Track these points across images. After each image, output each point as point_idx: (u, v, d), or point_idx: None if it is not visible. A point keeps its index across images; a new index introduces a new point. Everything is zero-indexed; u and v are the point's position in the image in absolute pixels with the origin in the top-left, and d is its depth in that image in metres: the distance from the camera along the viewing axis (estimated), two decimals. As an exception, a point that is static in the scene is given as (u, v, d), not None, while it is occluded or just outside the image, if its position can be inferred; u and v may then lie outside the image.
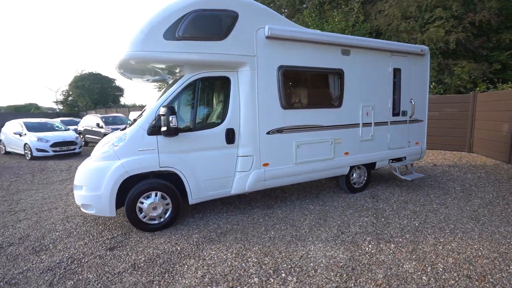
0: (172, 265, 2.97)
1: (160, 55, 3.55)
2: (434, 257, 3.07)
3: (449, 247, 3.26)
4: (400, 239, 3.47)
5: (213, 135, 3.96)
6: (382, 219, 4.08)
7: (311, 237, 3.57)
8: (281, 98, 4.24)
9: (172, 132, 3.51)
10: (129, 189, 3.65)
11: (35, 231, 3.86)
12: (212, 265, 2.97)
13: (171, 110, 3.44)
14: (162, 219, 3.81)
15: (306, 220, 4.09)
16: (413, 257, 3.07)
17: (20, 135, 10.26)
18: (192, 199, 3.92)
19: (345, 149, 4.95)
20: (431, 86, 10.68)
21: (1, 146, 11.57)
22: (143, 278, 2.75)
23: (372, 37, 12.52)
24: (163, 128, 3.49)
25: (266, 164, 4.25)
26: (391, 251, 3.20)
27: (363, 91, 5.03)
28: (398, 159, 5.86)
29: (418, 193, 5.28)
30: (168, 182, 3.81)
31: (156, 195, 3.73)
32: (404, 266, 2.90)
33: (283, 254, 3.17)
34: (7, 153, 11.29)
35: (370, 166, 5.46)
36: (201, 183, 3.93)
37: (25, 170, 8.27)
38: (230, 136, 4.02)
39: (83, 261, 3.08)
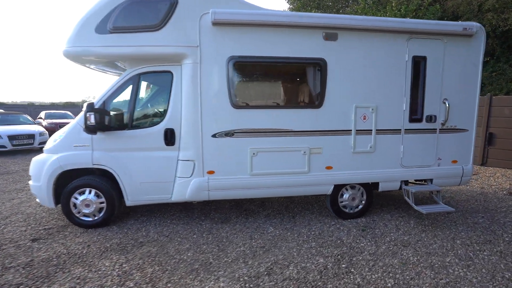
0: (57, 270, 2.80)
1: (93, 50, 3.42)
2: None
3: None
4: (339, 302, 2.39)
5: (150, 135, 3.63)
6: (343, 266, 2.95)
7: (224, 271, 2.83)
8: (231, 95, 3.56)
9: (91, 129, 3.34)
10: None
11: (8, 211, 4.36)
12: (88, 279, 2.65)
13: (89, 107, 3.28)
14: (96, 217, 3.72)
15: (243, 247, 3.32)
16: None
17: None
18: (129, 201, 3.71)
19: (327, 162, 3.85)
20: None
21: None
22: (17, 279, 2.66)
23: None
24: (83, 126, 3.37)
25: (211, 172, 3.66)
26: (306, 318, 2.21)
27: (358, 87, 3.80)
28: (423, 181, 4.28)
29: (439, 233, 3.70)
30: (105, 181, 3.69)
31: (90, 192, 3.66)
32: None
33: (169, 285, 2.59)
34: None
35: (372, 187, 4.15)
36: (137, 185, 3.66)
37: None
38: (169, 137, 3.61)
39: (1, 248, 3.25)
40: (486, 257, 3.15)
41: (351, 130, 3.83)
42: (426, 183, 4.27)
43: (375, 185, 4.09)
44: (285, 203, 4.75)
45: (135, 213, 4.26)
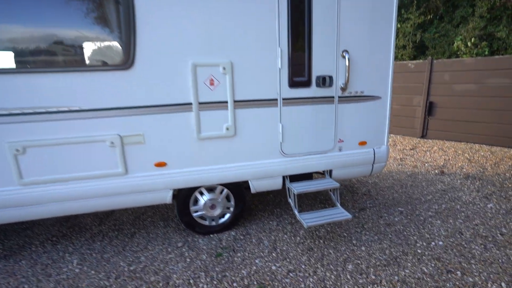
0: None
1: None
2: None
3: None
4: None
5: None
6: None
7: None
8: None
9: None
10: None
11: None
12: None
13: None
14: None
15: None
16: None
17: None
18: None
19: (156, 156, 2.45)
20: (469, 45, 6.46)
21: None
22: None
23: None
24: None
25: None
26: None
27: (194, 33, 2.30)
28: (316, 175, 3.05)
29: (329, 252, 2.51)
30: None
31: None
32: None
33: None
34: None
35: (242, 187, 2.85)
36: None
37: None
38: None
39: None
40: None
41: (190, 104, 2.40)
42: (324, 175, 3.04)
43: (244, 184, 2.79)
44: (143, 209, 3.38)
45: None
